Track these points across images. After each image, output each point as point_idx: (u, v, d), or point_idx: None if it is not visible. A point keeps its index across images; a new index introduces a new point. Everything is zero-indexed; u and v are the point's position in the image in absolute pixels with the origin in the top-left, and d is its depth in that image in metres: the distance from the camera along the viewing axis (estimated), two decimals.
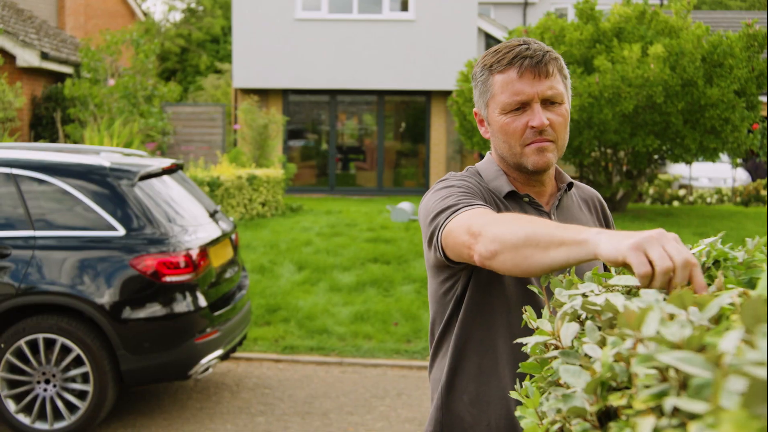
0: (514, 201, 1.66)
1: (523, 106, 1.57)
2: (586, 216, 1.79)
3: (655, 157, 11.24)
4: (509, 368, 1.60)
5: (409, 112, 16.79)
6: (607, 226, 1.83)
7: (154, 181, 4.72)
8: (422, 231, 1.60)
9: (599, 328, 0.92)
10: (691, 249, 1.16)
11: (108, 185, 4.40)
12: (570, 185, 1.76)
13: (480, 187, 1.64)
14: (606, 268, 1.46)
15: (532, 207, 1.67)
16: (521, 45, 1.59)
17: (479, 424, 1.63)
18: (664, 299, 0.89)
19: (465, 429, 1.65)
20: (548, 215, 1.67)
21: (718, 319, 0.80)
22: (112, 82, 11.76)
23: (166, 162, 5.05)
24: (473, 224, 1.37)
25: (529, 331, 1.15)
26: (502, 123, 1.59)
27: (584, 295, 1.03)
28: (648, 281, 1.05)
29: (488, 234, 1.31)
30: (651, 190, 14.35)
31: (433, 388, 1.73)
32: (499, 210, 1.62)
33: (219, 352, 4.59)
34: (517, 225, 1.29)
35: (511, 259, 1.27)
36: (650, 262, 1.04)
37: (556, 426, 0.87)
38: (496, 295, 1.60)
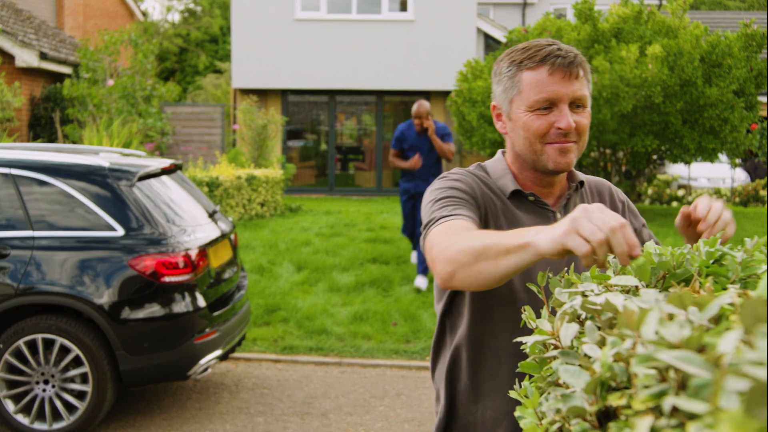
0: (517, 200, 1.67)
1: (550, 105, 1.57)
2: None
3: (654, 157, 11.24)
4: (508, 364, 1.61)
5: (408, 112, 16.79)
6: (623, 212, 1.80)
7: (152, 181, 4.72)
8: None
9: (599, 328, 0.92)
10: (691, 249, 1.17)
11: (107, 185, 4.39)
12: (581, 183, 1.77)
13: (479, 187, 1.65)
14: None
15: (538, 206, 1.68)
16: (552, 45, 1.59)
17: (475, 417, 1.67)
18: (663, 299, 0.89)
19: (465, 424, 1.69)
20: (554, 214, 1.68)
21: (718, 319, 0.79)
22: (110, 82, 11.75)
23: (165, 162, 5.05)
24: (434, 247, 1.41)
25: (529, 330, 1.16)
26: (526, 120, 1.59)
27: (584, 295, 1.03)
28: (591, 258, 1.11)
29: (442, 257, 1.36)
30: (650, 191, 14.36)
31: (438, 381, 1.76)
32: (502, 207, 1.65)
33: (218, 352, 4.58)
34: (468, 242, 1.33)
35: (468, 277, 1.31)
36: (587, 240, 1.11)
37: (556, 426, 0.87)
38: (495, 290, 1.59)
